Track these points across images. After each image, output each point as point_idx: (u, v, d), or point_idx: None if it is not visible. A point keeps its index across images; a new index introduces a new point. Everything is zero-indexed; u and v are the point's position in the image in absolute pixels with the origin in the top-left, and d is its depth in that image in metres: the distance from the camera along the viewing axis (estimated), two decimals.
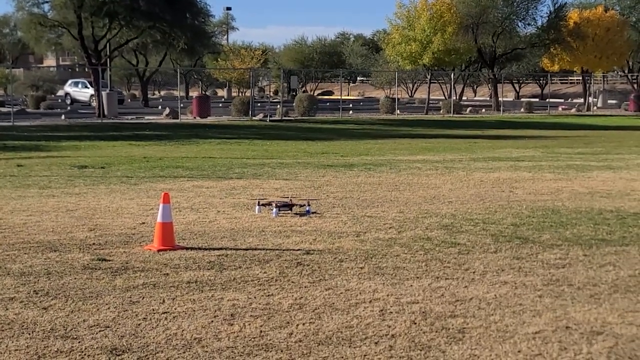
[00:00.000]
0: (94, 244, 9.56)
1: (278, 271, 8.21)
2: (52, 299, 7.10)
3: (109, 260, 8.64)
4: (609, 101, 63.67)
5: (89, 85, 56.09)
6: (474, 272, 8.19)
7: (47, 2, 40.72)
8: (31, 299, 7.10)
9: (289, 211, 11.83)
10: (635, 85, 69.05)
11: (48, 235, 10.02)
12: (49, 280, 7.78)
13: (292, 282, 7.81)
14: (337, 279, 7.93)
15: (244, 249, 9.28)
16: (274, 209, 11.69)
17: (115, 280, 7.78)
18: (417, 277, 7.98)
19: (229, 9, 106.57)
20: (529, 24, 57.84)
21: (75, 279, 7.83)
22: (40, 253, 8.99)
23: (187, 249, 9.28)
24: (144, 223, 10.97)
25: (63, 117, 40.53)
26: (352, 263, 8.61)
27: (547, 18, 57.19)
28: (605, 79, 77.01)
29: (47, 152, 23.20)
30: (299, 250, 9.26)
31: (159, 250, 9.11)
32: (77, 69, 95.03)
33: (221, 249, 9.31)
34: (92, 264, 8.47)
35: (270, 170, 18.34)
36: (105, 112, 40.56)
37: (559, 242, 9.77)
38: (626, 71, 72.31)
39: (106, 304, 6.96)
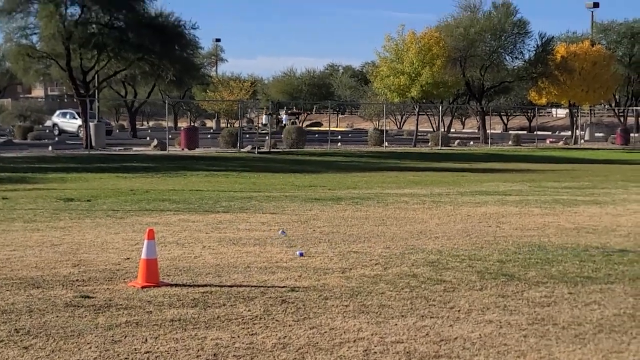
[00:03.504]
0: (77, 280, 9.49)
1: (262, 309, 8.16)
2: (33, 338, 7.03)
3: (92, 297, 8.57)
4: (596, 134, 63.95)
5: (77, 116, 56.05)
6: (459, 311, 8.16)
7: (35, 33, 40.76)
8: (12, 338, 7.03)
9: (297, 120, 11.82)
10: (621, 119, 69.42)
11: (31, 271, 9.95)
12: (30, 318, 7.71)
13: (277, 320, 7.76)
14: (322, 317, 7.89)
15: (228, 286, 9.23)
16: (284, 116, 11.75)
17: (98, 318, 7.71)
18: (402, 316, 7.95)
19: (218, 40, 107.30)
20: (516, 58, 58.17)
21: (57, 316, 7.76)
22: (23, 290, 8.91)
23: (171, 285, 9.22)
24: (128, 258, 10.90)
25: (50, 148, 40.45)
26: (337, 301, 8.57)
27: (534, 52, 57.46)
28: (592, 111, 77.42)
29: (33, 184, 23.12)
30: (284, 287, 9.21)
31: (143, 287, 9.05)
32: (65, 99, 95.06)
33: (206, 285, 9.26)
34: (74, 301, 8.41)
35: (257, 203, 18.30)
36: (93, 143, 40.50)
37: (544, 279, 9.75)
38: (613, 104, 72.74)
39: (88, 343, 6.90)
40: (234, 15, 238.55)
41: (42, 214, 15.86)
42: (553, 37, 60.71)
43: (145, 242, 9.23)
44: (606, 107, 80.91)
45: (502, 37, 55.67)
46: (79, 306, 8.18)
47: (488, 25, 54.68)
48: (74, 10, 40.28)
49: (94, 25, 40.57)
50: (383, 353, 6.72)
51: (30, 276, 9.65)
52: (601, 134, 64.98)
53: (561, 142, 59.36)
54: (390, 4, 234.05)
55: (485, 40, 54.92)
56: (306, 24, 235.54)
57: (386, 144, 50.47)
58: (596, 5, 78.28)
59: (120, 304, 8.29)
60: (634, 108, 66.14)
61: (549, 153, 47.33)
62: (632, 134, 59.07)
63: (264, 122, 62.39)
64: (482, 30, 54.28)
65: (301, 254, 11.30)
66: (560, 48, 59.13)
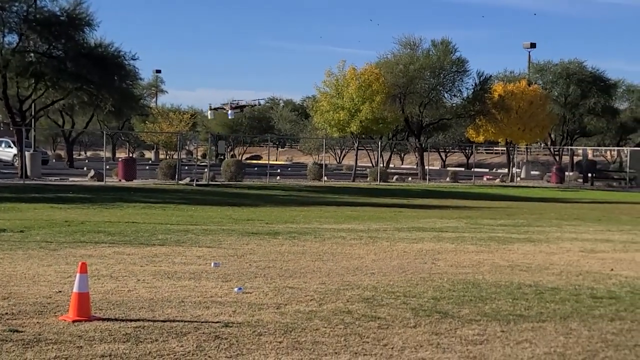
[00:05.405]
0: (6, 313, 9.31)
1: (195, 345, 8.09)
2: None
3: (21, 332, 8.41)
4: (532, 172, 64.89)
5: (12, 145, 55.28)
6: (392, 348, 8.17)
7: None
8: None
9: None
10: (557, 158, 70.58)
11: None
12: None
13: (209, 356, 7.69)
14: (255, 353, 7.85)
15: (161, 321, 9.13)
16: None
17: (26, 354, 7.56)
18: (336, 353, 7.93)
19: (158, 71, 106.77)
20: (455, 95, 58.84)
21: None
22: None
23: (103, 319, 9.09)
24: (60, 292, 10.74)
25: None
26: (271, 337, 8.53)
27: (472, 90, 58.25)
28: (528, 150, 78.65)
29: None
30: (218, 322, 9.14)
31: (74, 321, 8.91)
32: (1, 127, 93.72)
33: (138, 320, 9.15)
34: (2, 335, 8.24)
35: (194, 237, 18.18)
36: (28, 173, 39.92)
37: (477, 317, 9.83)
38: (548, 143, 73.96)
39: None
40: (174, 46, 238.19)
41: None
42: (491, 75, 61.71)
43: (78, 275, 9.11)
44: (542, 145, 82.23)
45: (441, 75, 56.36)
46: (7, 340, 8.02)
47: (427, 62, 55.34)
48: (12, 39, 39.84)
49: (32, 54, 40.10)
50: None
51: None
52: (537, 172, 65.98)
53: (498, 180, 60.12)
54: (331, 39, 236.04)
55: (424, 77, 55.53)
56: (247, 57, 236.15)
57: (325, 178, 50.61)
58: (533, 45, 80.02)
59: (50, 339, 8.15)
60: (569, 147, 67.31)
61: (485, 190, 47.85)
62: (567, 173, 60.02)
63: (219, 151, 63.06)
64: (422, 68, 54.89)
65: (240, 289, 11.23)
66: (498, 87, 60.07)
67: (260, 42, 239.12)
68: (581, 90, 66.72)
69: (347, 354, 7.91)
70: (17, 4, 38.81)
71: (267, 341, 8.33)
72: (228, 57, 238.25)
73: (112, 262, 13.70)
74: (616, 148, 74.48)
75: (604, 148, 79.11)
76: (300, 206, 30.25)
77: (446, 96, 58.61)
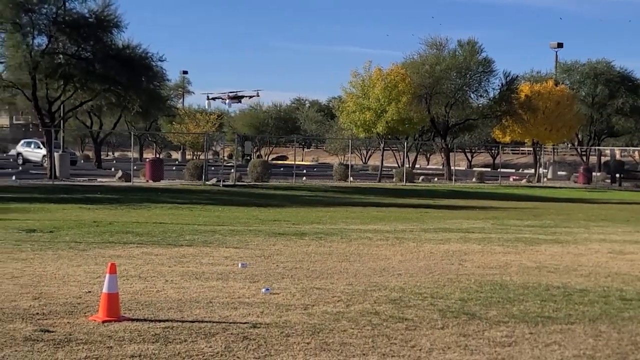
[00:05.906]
0: (37, 313, 9.41)
1: (224, 345, 8.13)
2: None
3: (52, 332, 8.49)
4: (559, 173, 64.57)
5: (41, 146, 55.73)
6: (420, 350, 8.18)
7: (1, 62, 40.60)
8: None
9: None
10: (584, 158, 70.15)
11: None
12: None
13: (237, 357, 7.73)
14: (283, 354, 7.88)
15: (190, 321, 9.19)
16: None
17: (57, 354, 7.64)
18: (363, 354, 7.95)
19: (185, 72, 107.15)
20: (481, 96, 58.72)
21: (15, 351, 7.68)
22: None
23: (132, 320, 9.16)
24: (90, 292, 10.83)
25: (14, 177, 40.14)
26: (299, 338, 8.56)
27: (499, 90, 58.05)
28: (555, 150, 78.19)
29: None
30: (246, 323, 9.18)
31: (103, 322, 8.99)
32: (30, 129, 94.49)
33: (167, 320, 9.21)
34: (34, 335, 8.33)
35: (221, 237, 18.26)
36: (57, 174, 40.24)
37: (505, 318, 9.81)
38: (576, 144, 73.53)
39: None
40: (202, 47, 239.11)
41: (3, 245, 15.70)
42: (517, 76, 61.45)
43: (107, 276, 9.18)
44: (569, 146, 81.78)
45: (467, 75, 56.23)
46: (38, 340, 8.11)
47: (453, 63, 55.23)
48: (41, 40, 40.30)
49: (60, 56, 40.52)
50: None
51: None
52: (564, 173, 65.62)
53: (524, 180, 59.83)
54: (357, 40, 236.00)
55: (450, 77, 55.41)
56: (273, 58, 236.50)
57: (351, 178, 50.61)
58: (560, 45, 79.57)
59: (81, 339, 8.22)
60: (597, 147, 66.90)
61: (512, 191, 47.66)
62: (594, 173, 59.64)
63: (246, 152, 63.83)
64: (448, 68, 54.80)
65: (267, 290, 11.26)
66: (525, 87, 59.80)
67: (274, 44, 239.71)
68: (609, 90, 66.36)
69: (375, 355, 7.93)
70: (46, 6, 39.22)
71: (295, 342, 8.37)
72: (254, 57, 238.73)
73: (141, 263, 13.80)
74: None
75: (632, 148, 78.53)
76: (327, 207, 30.29)
77: (472, 96, 58.58)
